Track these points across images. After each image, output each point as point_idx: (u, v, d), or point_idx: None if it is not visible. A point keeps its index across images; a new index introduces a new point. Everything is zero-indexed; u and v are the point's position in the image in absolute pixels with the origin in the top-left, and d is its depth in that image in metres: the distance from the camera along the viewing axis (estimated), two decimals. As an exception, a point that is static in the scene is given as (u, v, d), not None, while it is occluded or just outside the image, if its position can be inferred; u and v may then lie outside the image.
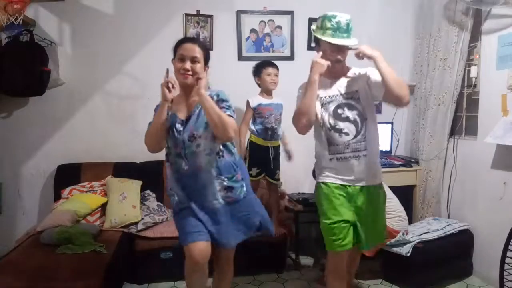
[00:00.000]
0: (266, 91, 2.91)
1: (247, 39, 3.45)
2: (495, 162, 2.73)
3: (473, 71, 2.96)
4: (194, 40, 1.92)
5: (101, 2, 3.22)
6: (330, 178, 1.98)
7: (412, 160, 3.40)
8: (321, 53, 1.95)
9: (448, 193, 3.16)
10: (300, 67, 3.55)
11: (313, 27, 2.01)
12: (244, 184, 1.95)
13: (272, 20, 3.47)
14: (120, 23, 3.25)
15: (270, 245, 2.85)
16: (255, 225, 1.99)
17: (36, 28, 3.07)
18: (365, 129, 1.95)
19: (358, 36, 1.89)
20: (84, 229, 2.56)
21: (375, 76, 1.95)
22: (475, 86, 2.98)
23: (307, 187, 3.53)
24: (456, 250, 2.81)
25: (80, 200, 2.85)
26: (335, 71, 1.99)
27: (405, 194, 3.22)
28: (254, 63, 3.43)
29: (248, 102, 2.89)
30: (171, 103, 1.85)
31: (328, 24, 1.90)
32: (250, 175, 2.81)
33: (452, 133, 3.17)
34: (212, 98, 1.82)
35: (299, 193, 3.37)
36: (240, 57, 3.44)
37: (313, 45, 3.48)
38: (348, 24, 1.92)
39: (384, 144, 3.58)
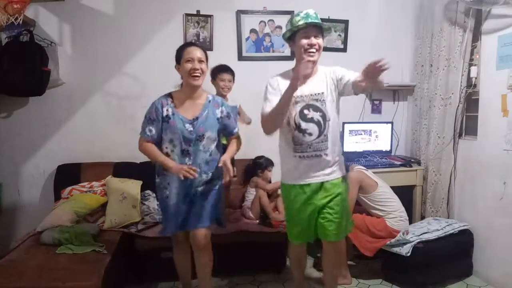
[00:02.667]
0: (220, 96, 2.86)
1: (247, 39, 3.45)
2: (495, 162, 2.73)
3: (473, 71, 2.96)
4: (196, 44, 2.24)
5: (101, 2, 3.22)
6: (292, 180, 2.12)
7: (412, 160, 3.40)
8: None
9: (448, 193, 3.16)
10: (300, 67, 3.58)
11: (284, 34, 2.12)
12: (221, 177, 2.23)
13: (272, 20, 3.47)
14: (120, 23, 3.25)
15: (270, 245, 2.84)
16: (215, 212, 2.26)
17: (36, 28, 3.07)
18: (327, 130, 2.04)
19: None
20: (84, 229, 2.56)
21: (344, 76, 2.01)
22: (475, 86, 2.98)
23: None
24: (456, 250, 2.81)
25: (80, 200, 2.85)
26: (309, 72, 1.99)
27: (405, 194, 3.22)
28: (254, 63, 3.46)
29: None
30: (173, 101, 2.16)
31: (298, 18, 2.01)
32: None
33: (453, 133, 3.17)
34: (216, 103, 2.21)
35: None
36: (240, 57, 3.44)
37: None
38: (316, 14, 2.02)
39: (384, 144, 3.59)
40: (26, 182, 3.21)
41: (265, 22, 3.47)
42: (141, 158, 3.13)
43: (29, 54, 2.88)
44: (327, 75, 2.08)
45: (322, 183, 2.07)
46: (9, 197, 3.18)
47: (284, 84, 1.97)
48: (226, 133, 2.31)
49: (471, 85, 3.00)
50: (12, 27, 2.80)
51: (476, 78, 2.95)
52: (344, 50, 3.55)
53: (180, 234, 2.28)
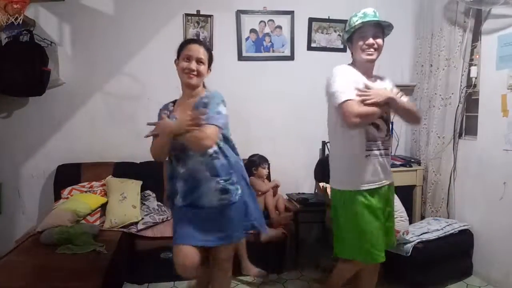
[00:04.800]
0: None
1: (247, 39, 3.45)
2: (495, 162, 2.73)
3: (473, 71, 2.96)
4: (200, 42, 1.92)
5: (101, 2, 3.22)
6: (366, 185, 1.89)
7: (412, 160, 3.40)
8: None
9: (448, 193, 3.16)
10: (300, 67, 3.58)
11: (343, 35, 2.01)
12: (239, 187, 1.88)
13: (272, 20, 3.47)
14: (120, 23, 3.25)
15: (270, 245, 2.84)
16: (246, 227, 1.96)
17: (36, 28, 3.07)
18: (391, 131, 1.99)
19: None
20: (84, 229, 2.56)
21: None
22: (475, 86, 2.98)
23: (307, 187, 3.53)
24: (456, 250, 2.81)
25: (80, 200, 2.85)
26: (370, 71, 1.99)
27: (405, 194, 3.22)
28: (254, 63, 3.45)
29: None
30: (174, 106, 1.92)
31: (355, 18, 1.89)
32: None
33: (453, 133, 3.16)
34: (207, 98, 1.82)
35: (299, 193, 3.37)
36: (240, 57, 3.44)
37: (321, 45, 3.54)
38: (375, 12, 1.90)
39: (384, 144, 3.58)
40: (26, 182, 3.21)
41: (265, 22, 3.47)
42: (141, 158, 3.15)
43: (29, 54, 2.88)
44: (389, 83, 2.08)
45: (388, 186, 1.98)
46: (9, 197, 3.18)
47: (356, 75, 1.92)
48: None
49: (471, 85, 3.00)
50: (12, 27, 2.81)
51: (476, 78, 2.95)
52: (344, 50, 3.53)
53: (187, 252, 1.82)
